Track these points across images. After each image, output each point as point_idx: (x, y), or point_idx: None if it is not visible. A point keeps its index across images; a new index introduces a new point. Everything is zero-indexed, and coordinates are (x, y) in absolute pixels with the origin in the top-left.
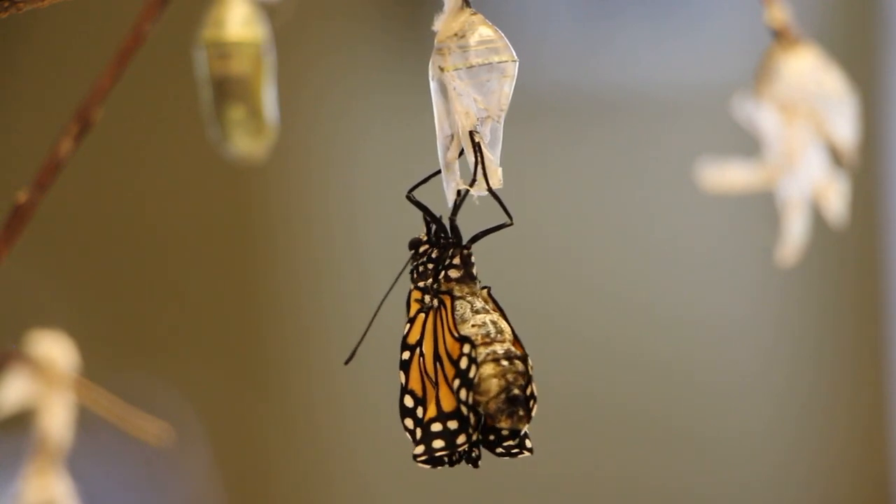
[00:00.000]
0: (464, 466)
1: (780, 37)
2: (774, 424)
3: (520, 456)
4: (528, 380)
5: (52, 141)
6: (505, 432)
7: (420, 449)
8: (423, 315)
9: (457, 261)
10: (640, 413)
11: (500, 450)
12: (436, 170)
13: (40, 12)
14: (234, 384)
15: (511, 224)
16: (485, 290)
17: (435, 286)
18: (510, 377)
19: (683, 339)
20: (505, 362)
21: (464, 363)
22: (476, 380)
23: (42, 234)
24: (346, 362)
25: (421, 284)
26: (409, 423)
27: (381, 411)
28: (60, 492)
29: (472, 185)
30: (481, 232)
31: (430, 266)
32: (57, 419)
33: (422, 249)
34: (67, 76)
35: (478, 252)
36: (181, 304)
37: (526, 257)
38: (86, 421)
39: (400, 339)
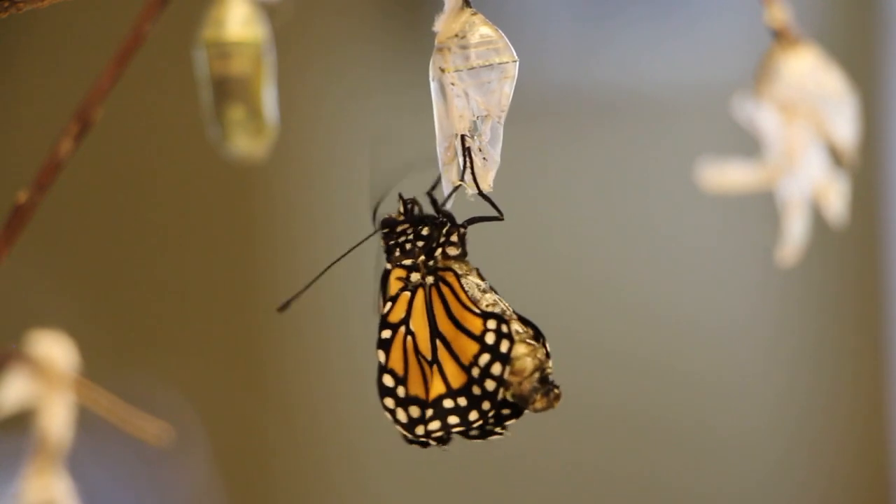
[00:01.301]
0: (465, 465)
1: (780, 37)
2: (774, 424)
3: (490, 438)
4: (548, 358)
5: (52, 141)
6: (506, 411)
7: (436, 425)
8: (407, 293)
9: (454, 238)
10: (639, 413)
11: (474, 433)
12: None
13: (40, 12)
14: (234, 384)
15: (501, 219)
16: (475, 269)
17: (431, 263)
18: (541, 356)
19: (683, 338)
20: (532, 342)
21: (490, 338)
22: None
23: (42, 234)
24: (280, 309)
25: (407, 263)
26: (390, 402)
27: (382, 410)
28: (60, 492)
29: (458, 187)
30: (473, 218)
31: (420, 244)
32: (57, 419)
33: (400, 228)
34: (67, 76)
35: (477, 252)
36: (182, 304)
37: (526, 257)
38: (86, 421)
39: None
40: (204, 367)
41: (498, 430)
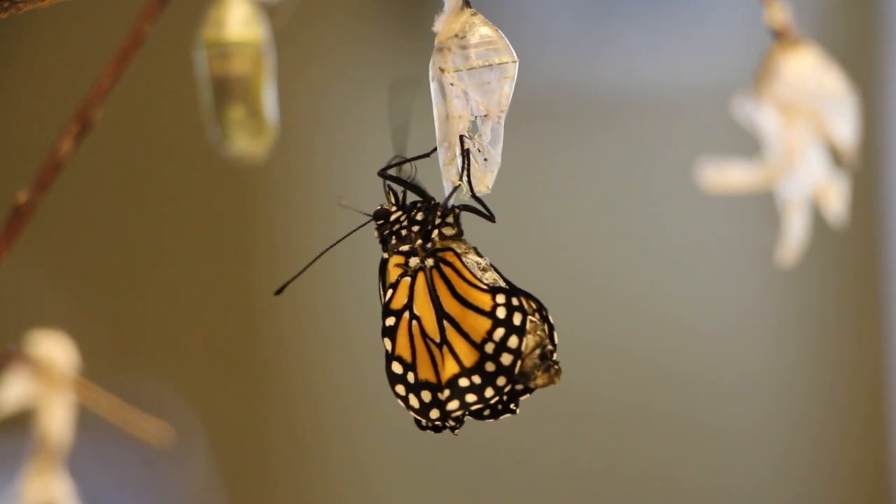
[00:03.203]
0: (465, 464)
1: (780, 37)
2: (775, 424)
3: (502, 417)
4: (552, 331)
5: (52, 141)
6: (519, 386)
7: (455, 404)
8: (407, 279)
9: (450, 219)
10: (640, 411)
11: (487, 412)
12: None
13: (40, 12)
14: (234, 384)
15: (493, 220)
16: (473, 248)
17: (428, 245)
18: (541, 333)
19: (684, 337)
20: (533, 318)
21: (502, 312)
22: None
23: (42, 234)
24: (277, 292)
25: (404, 248)
26: (401, 389)
27: (383, 409)
28: (60, 492)
29: (458, 187)
30: (467, 206)
31: (415, 228)
32: (57, 419)
33: (393, 217)
34: (67, 76)
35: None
36: (181, 304)
37: (526, 257)
38: (86, 421)
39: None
40: (204, 367)
41: (511, 406)
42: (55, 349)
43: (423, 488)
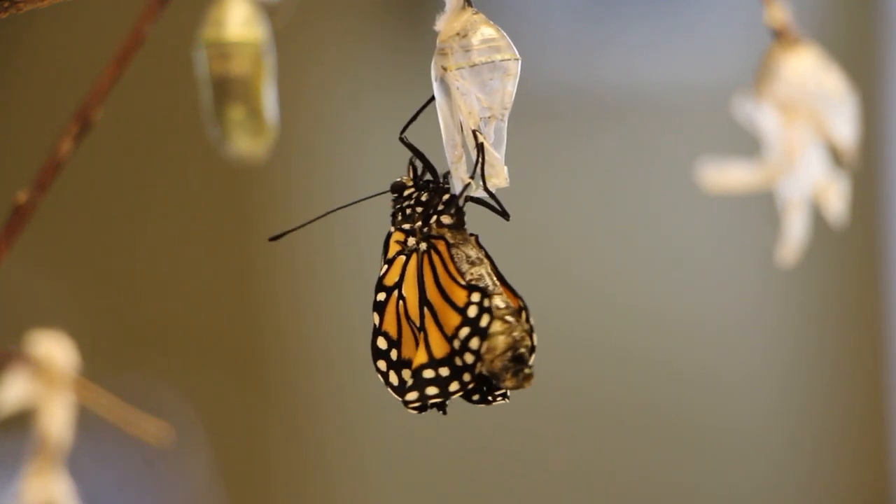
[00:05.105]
0: (465, 464)
1: (780, 37)
2: (774, 424)
3: (495, 403)
4: (531, 333)
5: (52, 141)
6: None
7: (413, 395)
8: (402, 257)
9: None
10: (640, 411)
11: (476, 397)
12: (427, 101)
13: (40, 12)
14: (234, 384)
15: (507, 217)
16: (473, 238)
17: (425, 230)
18: (516, 335)
19: (684, 337)
20: (510, 318)
21: (472, 311)
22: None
23: (42, 234)
24: (272, 238)
25: (406, 227)
26: (382, 364)
27: (383, 409)
28: (60, 492)
29: (468, 185)
30: (480, 200)
31: (419, 209)
32: (57, 419)
33: (406, 192)
34: (67, 76)
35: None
36: (181, 304)
37: (525, 257)
38: (86, 421)
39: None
40: (204, 367)
41: (500, 397)
42: (55, 349)
43: (423, 488)
